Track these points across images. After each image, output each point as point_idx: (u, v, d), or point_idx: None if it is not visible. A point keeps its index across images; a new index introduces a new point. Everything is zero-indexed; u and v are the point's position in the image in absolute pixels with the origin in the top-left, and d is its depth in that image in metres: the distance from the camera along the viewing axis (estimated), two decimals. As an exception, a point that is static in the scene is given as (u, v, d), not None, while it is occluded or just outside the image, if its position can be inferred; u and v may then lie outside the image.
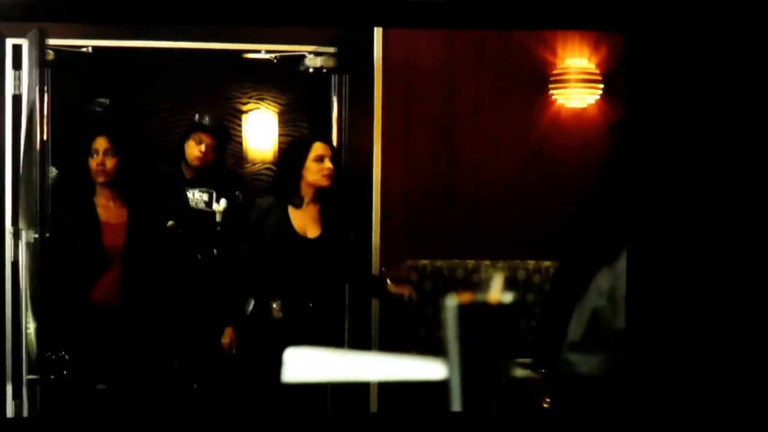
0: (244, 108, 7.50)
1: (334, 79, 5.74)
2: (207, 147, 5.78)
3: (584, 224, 3.21)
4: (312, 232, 4.78)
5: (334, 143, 5.51)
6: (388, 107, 5.82)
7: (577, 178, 5.73)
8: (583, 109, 5.92)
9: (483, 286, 2.04)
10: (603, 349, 2.98)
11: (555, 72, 5.87)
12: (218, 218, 5.74)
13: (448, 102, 5.88)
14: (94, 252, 4.81)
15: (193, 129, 5.86)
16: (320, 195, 4.78)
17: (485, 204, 5.88)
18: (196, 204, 5.80)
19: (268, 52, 5.93)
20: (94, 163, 4.90)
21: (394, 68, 5.85)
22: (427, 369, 2.60)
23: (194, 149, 5.77)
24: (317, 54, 5.74)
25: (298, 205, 4.75)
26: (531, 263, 5.78)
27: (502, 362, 1.98)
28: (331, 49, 5.75)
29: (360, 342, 5.33)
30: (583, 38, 5.83)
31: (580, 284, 3.07)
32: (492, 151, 5.90)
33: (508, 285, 1.90)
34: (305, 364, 2.86)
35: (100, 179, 4.87)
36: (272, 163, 7.37)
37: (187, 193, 5.77)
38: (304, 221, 4.77)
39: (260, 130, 7.44)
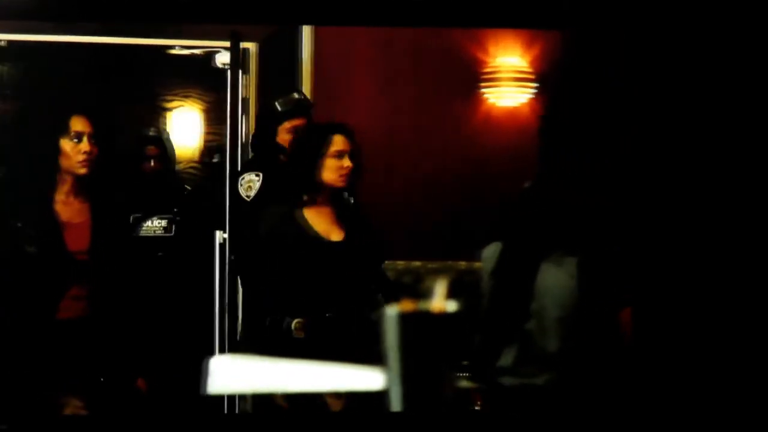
0: (169, 105, 7.35)
1: (242, 76, 5.54)
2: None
3: (508, 245, 3.08)
4: (336, 235, 4.13)
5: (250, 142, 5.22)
6: (318, 106, 5.72)
7: (509, 178, 5.69)
8: (516, 108, 5.88)
9: (426, 292, 1.93)
10: (539, 371, 2.85)
11: (487, 70, 5.83)
12: None
13: (382, 101, 5.81)
14: (55, 258, 3.91)
15: (287, 115, 4.74)
16: (333, 195, 4.14)
17: (418, 204, 5.81)
18: None
19: (182, 47, 5.80)
20: (76, 149, 3.90)
21: (325, 66, 5.78)
22: (365, 379, 2.49)
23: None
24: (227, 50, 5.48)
25: (308, 204, 4.12)
26: (463, 264, 5.72)
27: (446, 374, 1.88)
28: (251, 45, 5.63)
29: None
30: (516, 36, 5.81)
31: (510, 306, 2.95)
32: (425, 151, 5.84)
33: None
34: (233, 374, 2.72)
35: (83, 170, 3.91)
36: (197, 161, 7.23)
37: None
38: (326, 224, 4.13)
39: (185, 129, 7.29)
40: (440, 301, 1.84)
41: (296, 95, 4.86)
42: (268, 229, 4.11)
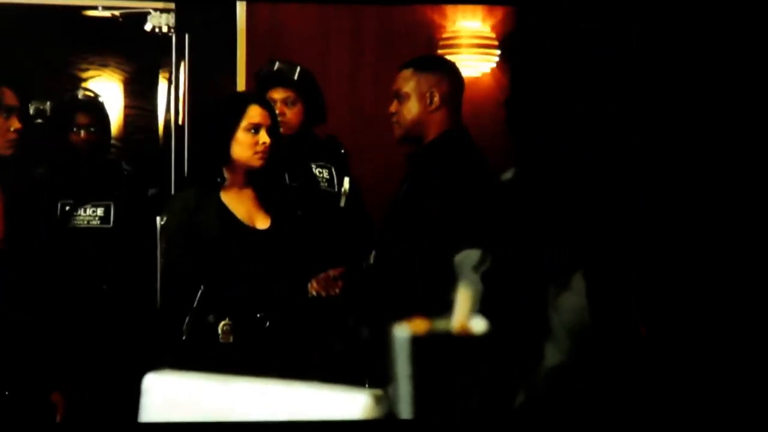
0: (84, 75, 6.85)
1: (180, 40, 5.04)
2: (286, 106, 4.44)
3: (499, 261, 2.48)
4: (261, 222, 3.75)
5: (181, 118, 4.80)
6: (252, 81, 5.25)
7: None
8: (477, 78, 5.63)
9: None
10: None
11: (445, 36, 5.62)
12: (342, 203, 4.52)
13: (320, 76, 5.45)
14: None
15: (262, 85, 4.47)
16: (252, 176, 3.77)
17: (367, 181, 5.28)
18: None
19: (105, 8, 5.38)
20: (6, 126, 3.80)
21: (259, 36, 5.41)
22: (354, 403, 2.00)
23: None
24: (163, 11, 5.08)
25: (226, 187, 3.78)
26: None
27: (469, 405, 1.53)
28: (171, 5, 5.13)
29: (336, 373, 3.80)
30: (477, -3, 5.63)
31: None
32: (370, 130, 5.42)
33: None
34: (180, 396, 2.21)
35: (11, 150, 3.79)
36: (117, 138, 6.74)
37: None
38: (247, 209, 3.77)
39: (103, 101, 6.74)
40: (463, 319, 1.50)
41: (278, 62, 4.43)
42: (181, 214, 3.75)
